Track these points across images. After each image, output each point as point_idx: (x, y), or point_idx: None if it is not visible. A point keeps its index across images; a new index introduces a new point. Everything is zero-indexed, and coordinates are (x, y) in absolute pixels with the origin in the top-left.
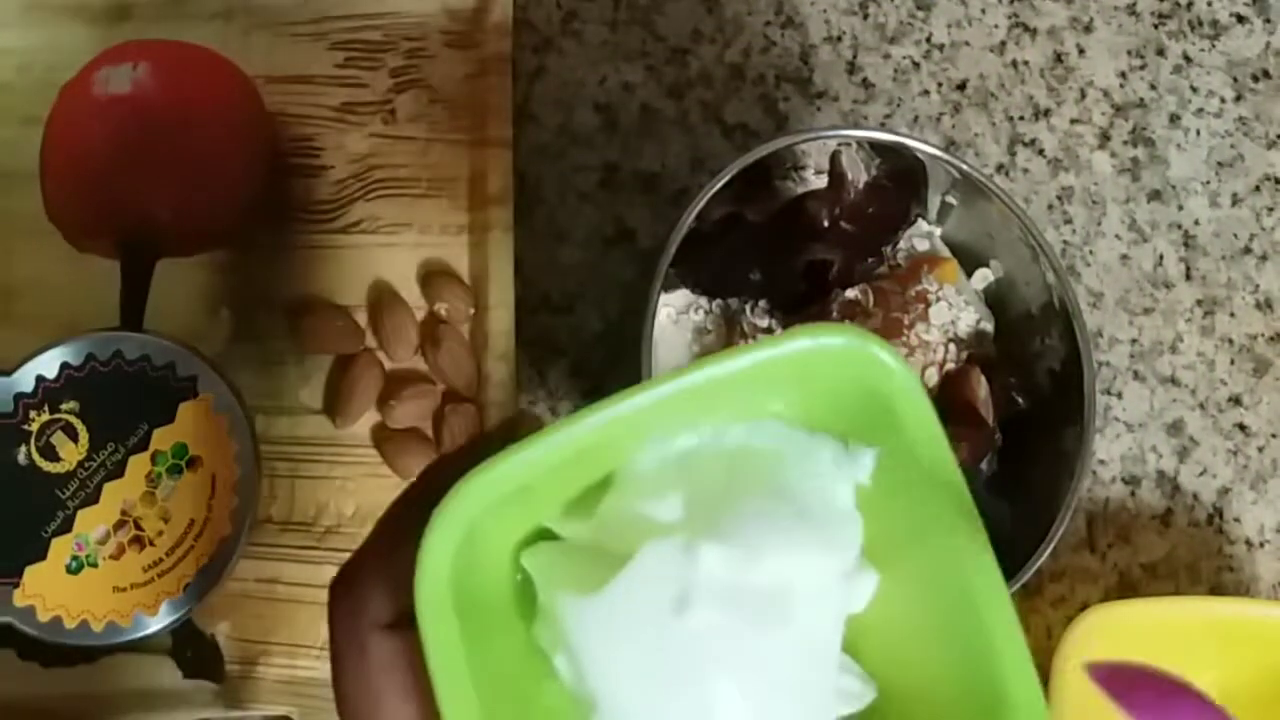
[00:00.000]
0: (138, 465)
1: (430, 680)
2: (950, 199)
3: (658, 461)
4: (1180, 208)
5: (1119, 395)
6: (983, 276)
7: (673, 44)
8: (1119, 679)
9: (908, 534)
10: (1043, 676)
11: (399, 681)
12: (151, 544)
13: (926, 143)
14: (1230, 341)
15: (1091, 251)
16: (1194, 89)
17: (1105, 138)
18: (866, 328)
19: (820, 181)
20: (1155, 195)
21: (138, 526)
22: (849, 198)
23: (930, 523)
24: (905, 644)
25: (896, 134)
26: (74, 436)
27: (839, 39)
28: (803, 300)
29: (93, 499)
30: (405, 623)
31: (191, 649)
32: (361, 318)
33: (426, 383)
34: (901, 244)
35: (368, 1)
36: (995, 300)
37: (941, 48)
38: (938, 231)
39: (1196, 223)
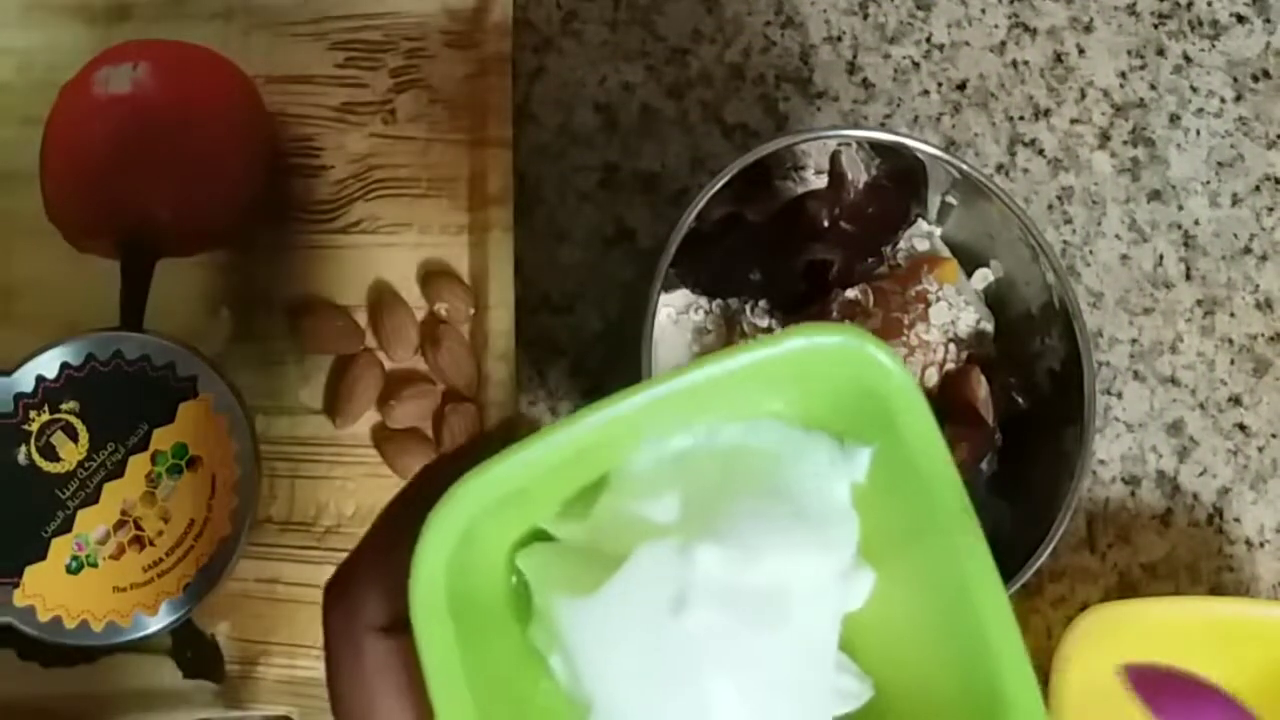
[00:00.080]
0: (138, 465)
1: (425, 683)
2: (950, 199)
3: (654, 462)
4: (1180, 208)
5: (1119, 395)
6: (983, 276)
7: (673, 44)
8: (1149, 681)
9: (904, 532)
10: (1043, 676)
11: (394, 684)
12: (151, 544)
13: (926, 143)
14: (1230, 341)
15: (1091, 251)
16: (1194, 89)
17: (1105, 138)
18: (866, 328)
19: (820, 181)
20: (1155, 195)
21: (138, 526)
22: (849, 198)
23: (927, 521)
24: (902, 642)
25: (896, 134)
26: (74, 436)
27: (839, 39)
28: (803, 300)
29: (93, 499)
30: (400, 625)
31: (191, 649)
32: (361, 318)
33: (426, 383)
34: (901, 244)
35: (368, 1)
36: (995, 300)
37: (941, 48)
38: (938, 231)
39: (1196, 223)
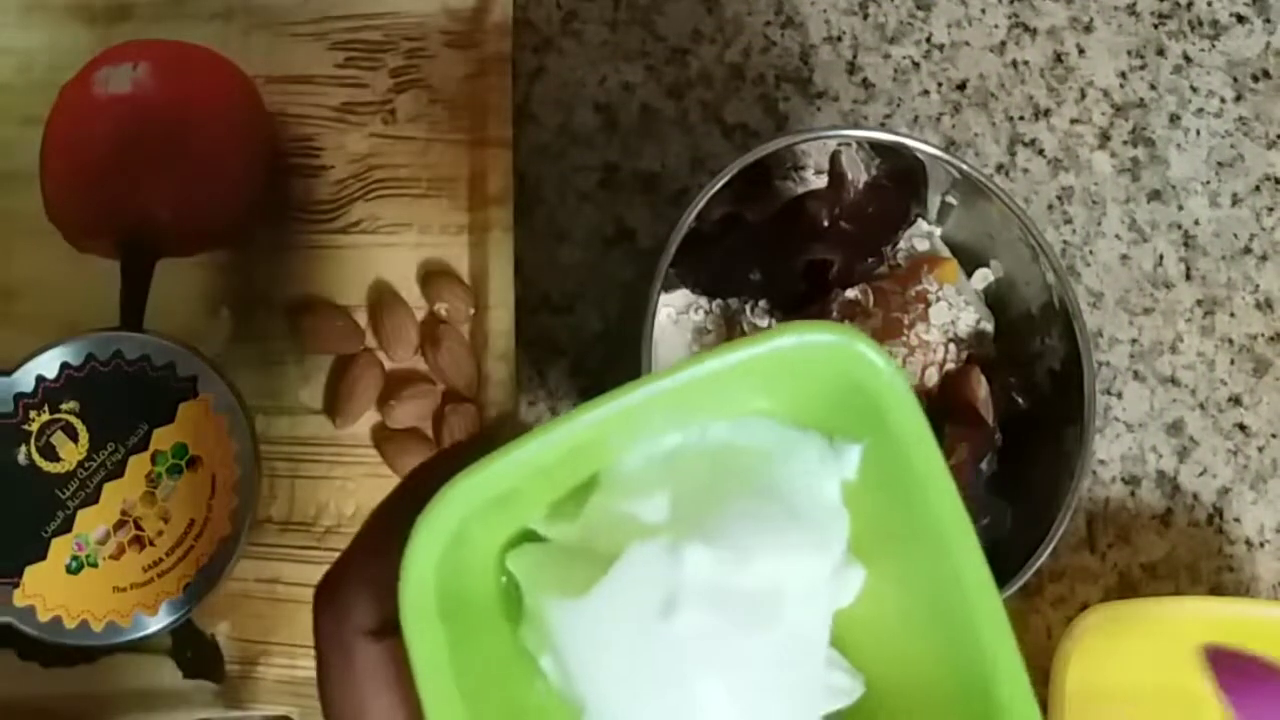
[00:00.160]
0: (138, 465)
1: (416, 686)
2: (950, 199)
3: (644, 461)
4: (1180, 208)
5: (1119, 395)
6: (983, 276)
7: (673, 44)
8: (1225, 662)
9: (895, 529)
10: (1043, 676)
11: (385, 687)
12: (151, 544)
13: (926, 143)
14: (1230, 341)
15: (1091, 251)
16: (1194, 89)
17: (1105, 138)
18: (867, 327)
19: (820, 181)
20: (1155, 195)
21: (138, 526)
22: (849, 198)
23: (918, 517)
24: (893, 638)
25: (896, 134)
26: (74, 436)
27: (839, 39)
28: (803, 300)
29: (93, 499)
30: (391, 628)
31: (191, 649)
32: (361, 318)
33: (426, 383)
34: (901, 244)
35: (368, 1)
36: (995, 300)
37: (941, 48)
38: (938, 231)
39: (1196, 223)
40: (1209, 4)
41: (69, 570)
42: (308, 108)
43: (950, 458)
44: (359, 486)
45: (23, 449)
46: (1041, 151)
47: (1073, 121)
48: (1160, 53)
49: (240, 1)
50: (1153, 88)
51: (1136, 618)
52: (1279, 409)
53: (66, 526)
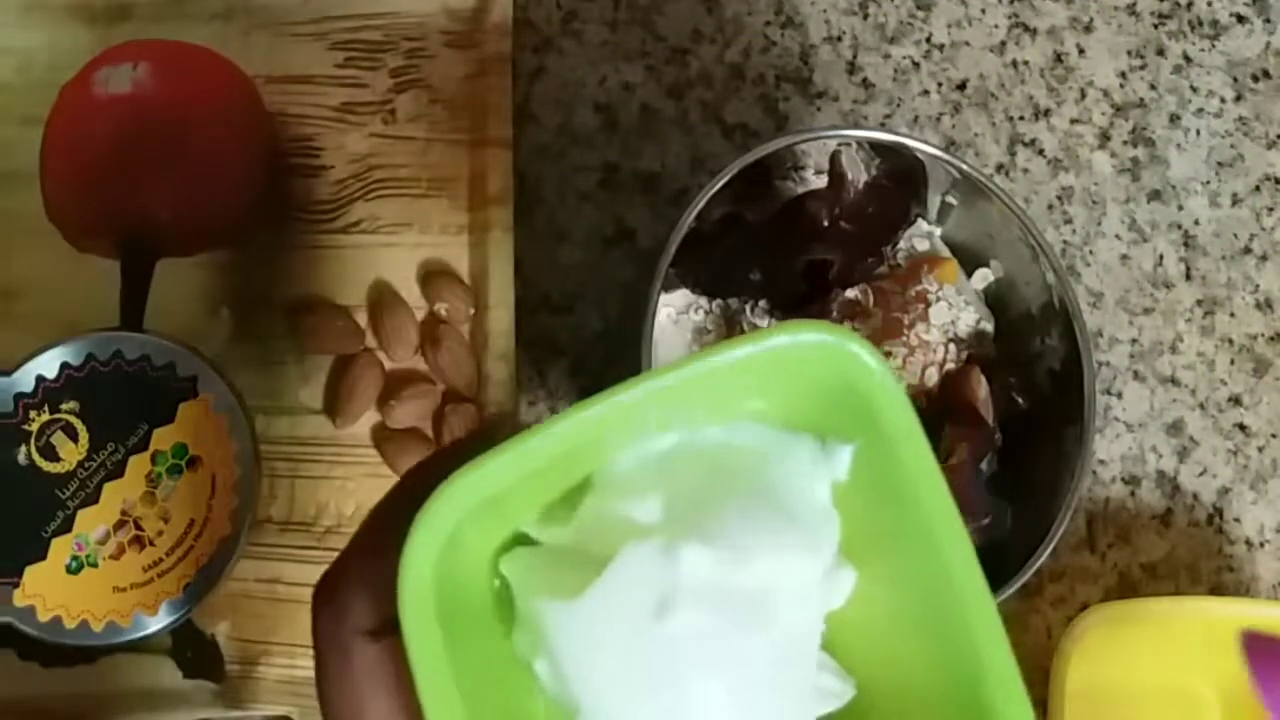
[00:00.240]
0: (138, 465)
1: (415, 686)
2: (950, 199)
3: (637, 462)
4: (1180, 208)
5: (1119, 395)
6: (983, 276)
7: (673, 44)
8: (1260, 650)
9: (887, 529)
10: (1043, 676)
11: (383, 687)
12: (151, 544)
13: (926, 143)
14: (1230, 341)
15: (1091, 251)
16: (1194, 89)
17: (1105, 138)
18: (866, 327)
19: (820, 181)
20: (1155, 195)
21: (138, 526)
22: (849, 198)
23: (909, 518)
24: (885, 640)
25: (896, 134)
26: (74, 436)
27: (839, 39)
28: (803, 300)
29: (93, 499)
30: (389, 628)
31: (191, 649)
32: (361, 318)
33: (426, 383)
34: (901, 244)
35: (368, 1)
36: (995, 300)
37: (941, 48)
38: (938, 231)
39: (1196, 223)
40: (1209, 4)
41: (69, 570)
42: (308, 108)
43: (950, 458)
44: (359, 486)
45: (23, 449)
46: (1041, 151)
47: (1073, 121)
48: (1160, 53)
49: (240, 1)
50: (1153, 88)
51: (1136, 618)
52: (1279, 409)
53: (66, 526)
